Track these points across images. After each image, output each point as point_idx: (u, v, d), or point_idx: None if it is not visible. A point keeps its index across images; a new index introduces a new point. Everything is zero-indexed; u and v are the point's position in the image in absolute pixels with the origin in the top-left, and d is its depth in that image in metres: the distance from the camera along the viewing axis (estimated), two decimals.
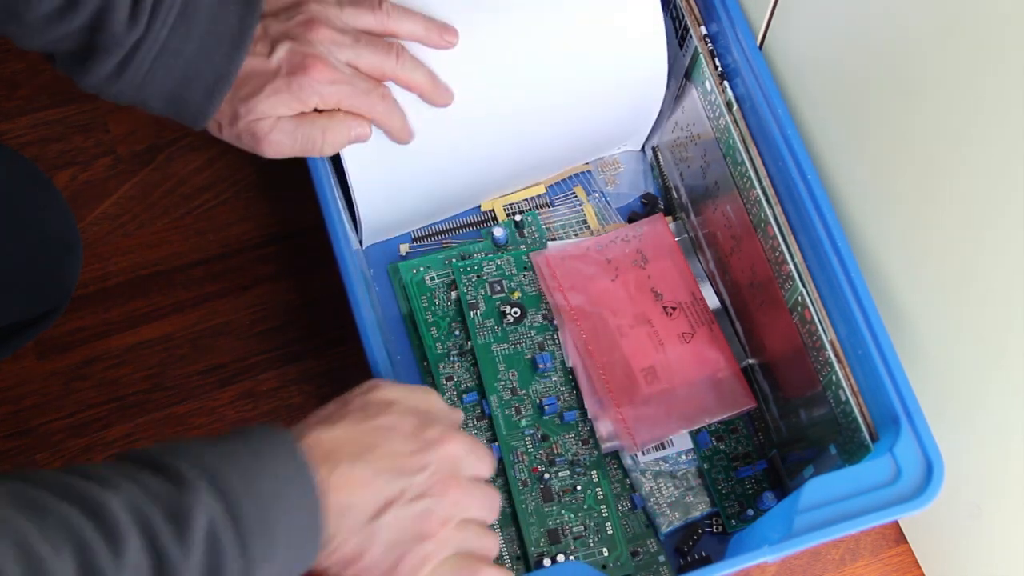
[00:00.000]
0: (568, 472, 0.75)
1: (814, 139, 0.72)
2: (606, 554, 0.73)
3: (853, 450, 0.67)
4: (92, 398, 0.84)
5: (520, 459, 0.75)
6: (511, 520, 0.74)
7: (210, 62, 0.61)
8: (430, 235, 0.82)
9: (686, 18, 0.75)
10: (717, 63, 0.74)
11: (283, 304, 0.87)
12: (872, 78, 0.65)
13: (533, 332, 0.78)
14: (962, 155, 0.59)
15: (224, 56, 0.61)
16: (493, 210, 0.83)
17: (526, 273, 0.80)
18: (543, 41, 0.72)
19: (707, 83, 0.75)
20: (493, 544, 0.60)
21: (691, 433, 0.77)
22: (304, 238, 0.89)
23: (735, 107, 0.73)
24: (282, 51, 0.62)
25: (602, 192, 0.84)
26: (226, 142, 0.65)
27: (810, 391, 0.71)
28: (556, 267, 0.80)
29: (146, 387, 0.85)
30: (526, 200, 0.83)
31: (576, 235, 0.83)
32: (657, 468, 0.76)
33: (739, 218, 0.74)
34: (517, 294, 0.79)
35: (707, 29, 0.75)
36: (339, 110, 0.65)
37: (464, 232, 0.83)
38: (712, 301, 0.80)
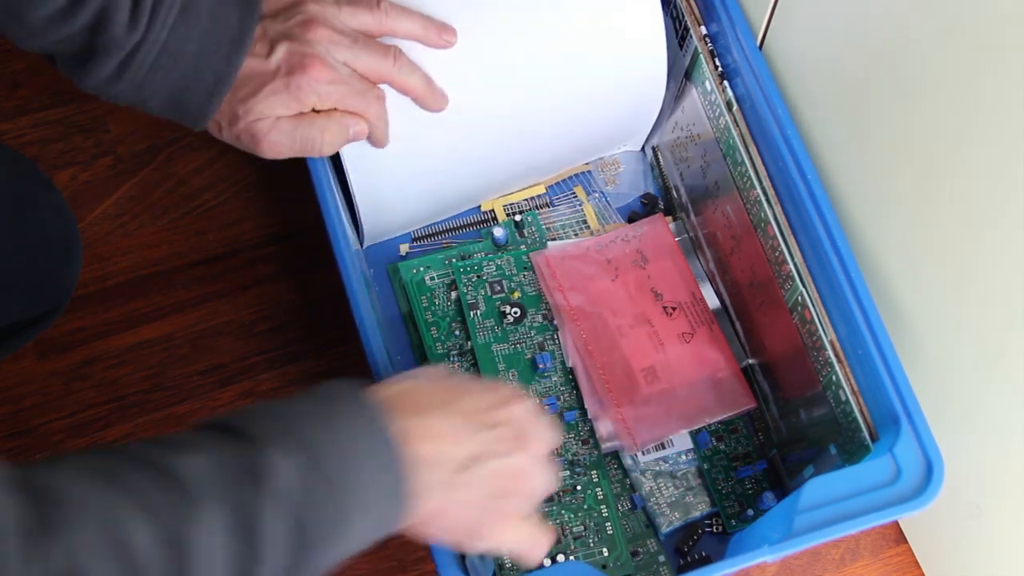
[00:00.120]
0: (568, 472, 0.75)
1: (814, 139, 0.72)
2: (606, 554, 0.73)
3: (853, 450, 0.67)
4: (92, 398, 0.84)
5: None
6: None
7: (210, 63, 0.61)
8: (430, 235, 0.82)
9: (686, 18, 0.75)
10: (717, 63, 0.74)
11: (283, 304, 0.87)
12: (872, 78, 0.65)
13: (533, 332, 0.78)
14: (962, 155, 0.58)
15: (224, 57, 0.61)
16: (493, 210, 0.83)
17: (526, 273, 0.80)
18: (543, 41, 0.72)
19: (707, 83, 0.75)
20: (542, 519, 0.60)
21: (691, 433, 0.77)
22: (304, 238, 0.89)
23: (735, 107, 0.73)
24: (281, 52, 0.62)
25: (602, 192, 0.84)
26: (226, 142, 0.65)
27: (810, 391, 0.71)
28: (556, 267, 0.80)
29: (146, 387, 0.85)
30: (526, 200, 0.83)
31: (576, 235, 0.83)
32: (657, 468, 0.76)
33: (739, 218, 0.74)
34: (517, 294, 0.79)
35: (707, 29, 0.75)
36: (336, 109, 0.65)
37: (464, 232, 0.83)
38: (712, 301, 0.80)
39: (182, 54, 0.60)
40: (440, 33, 0.68)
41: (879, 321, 0.66)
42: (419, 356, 0.79)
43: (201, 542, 0.45)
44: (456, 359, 0.78)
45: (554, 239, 0.82)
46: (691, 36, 0.75)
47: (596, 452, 0.76)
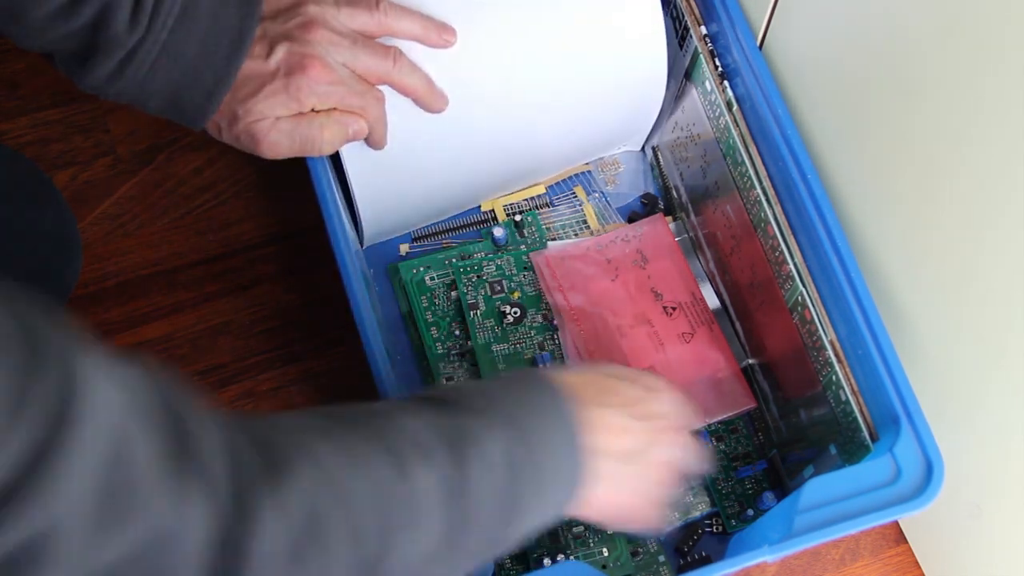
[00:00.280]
0: None
1: (814, 139, 0.72)
2: (606, 554, 0.73)
3: (853, 450, 0.67)
4: None
5: None
6: None
7: (210, 64, 0.61)
8: (430, 235, 0.82)
9: (686, 18, 0.75)
10: (717, 63, 0.74)
11: (283, 304, 0.87)
12: (872, 78, 0.65)
13: (533, 332, 0.78)
14: (962, 155, 0.58)
15: (224, 58, 0.61)
16: (493, 210, 0.83)
17: (526, 273, 0.80)
18: (543, 41, 0.72)
19: (707, 83, 0.75)
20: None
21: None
22: (304, 238, 0.89)
23: (735, 107, 0.73)
24: (280, 52, 0.62)
25: (602, 192, 0.84)
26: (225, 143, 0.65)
27: (810, 391, 0.71)
28: (556, 267, 0.80)
29: None
30: (526, 200, 0.83)
31: (576, 235, 0.83)
32: None
33: (739, 218, 0.74)
34: (517, 294, 0.79)
35: (707, 29, 0.75)
36: (336, 109, 0.65)
37: (464, 232, 0.83)
38: (712, 301, 0.80)
39: (182, 54, 0.60)
40: (440, 33, 0.68)
41: (879, 321, 0.66)
42: (419, 356, 0.79)
43: (420, 492, 0.47)
44: (456, 359, 0.78)
45: (554, 239, 0.82)
46: (691, 36, 0.75)
47: None
